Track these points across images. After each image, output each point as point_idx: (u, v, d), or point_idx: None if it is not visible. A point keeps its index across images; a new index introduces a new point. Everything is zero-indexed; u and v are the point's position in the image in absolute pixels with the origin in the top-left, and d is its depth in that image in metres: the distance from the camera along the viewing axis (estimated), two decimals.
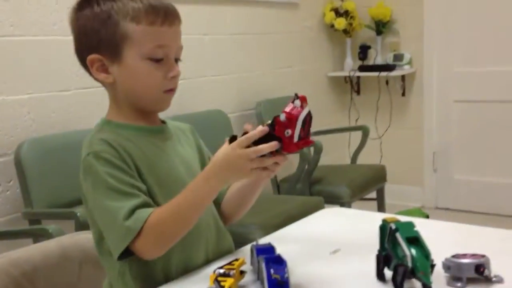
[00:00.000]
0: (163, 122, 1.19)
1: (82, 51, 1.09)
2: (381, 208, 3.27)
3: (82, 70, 2.60)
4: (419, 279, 0.91)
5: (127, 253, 1.03)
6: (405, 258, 0.92)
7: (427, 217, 3.02)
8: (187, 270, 1.10)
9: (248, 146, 1.00)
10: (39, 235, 1.84)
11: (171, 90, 1.11)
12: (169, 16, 1.07)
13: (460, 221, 1.38)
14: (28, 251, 1.15)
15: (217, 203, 1.21)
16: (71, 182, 2.12)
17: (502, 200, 3.67)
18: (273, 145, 0.98)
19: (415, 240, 0.94)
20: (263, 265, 0.93)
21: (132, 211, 1.00)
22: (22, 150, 2.06)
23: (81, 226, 1.81)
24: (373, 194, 3.26)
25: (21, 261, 1.10)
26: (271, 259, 0.93)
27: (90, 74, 1.11)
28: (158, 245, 1.03)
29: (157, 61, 1.07)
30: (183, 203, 1.03)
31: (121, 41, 1.05)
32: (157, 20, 1.05)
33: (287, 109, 1.01)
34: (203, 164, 1.21)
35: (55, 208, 2.05)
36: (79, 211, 1.85)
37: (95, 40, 1.06)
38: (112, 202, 1.01)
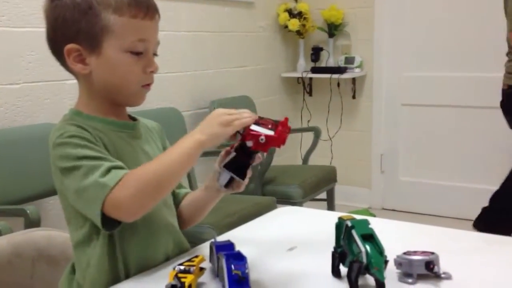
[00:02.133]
0: (134, 119, 1.18)
1: (58, 40, 1.07)
2: (331, 208, 3.33)
3: (31, 64, 2.52)
4: (373, 275, 0.94)
5: (111, 225, 1.00)
6: (360, 254, 0.95)
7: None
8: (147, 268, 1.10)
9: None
10: None
11: (148, 85, 1.11)
12: (151, 10, 1.07)
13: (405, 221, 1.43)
14: None
15: (176, 204, 1.22)
16: (19, 178, 2.09)
17: (445, 202, 3.81)
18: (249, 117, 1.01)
19: (369, 237, 0.97)
20: (223, 261, 0.93)
21: (108, 170, 0.98)
22: None
23: (31, 223, 1.77)
24: (323, 195, 3.31)
25: None
26: (232, 255, 0.94)
27: (62, 64, 1.09)
28: (138, 195, 0.97)
29: (137, 54, 1.06)
30: (167, 155, 1.01)
31: (101, 33, 1.04)
32: (139, 13, 1.05)
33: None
34: None
35: (3, 205, 1.99)
36: (29, 208, 1.81)
37: (74, 30, 1.04)
38: (87, 162, 0.98)
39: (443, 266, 1.02)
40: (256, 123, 1.01)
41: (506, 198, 2.99)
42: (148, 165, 1.00)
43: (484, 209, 3.05)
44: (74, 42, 1.05)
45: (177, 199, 1.24)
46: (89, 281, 1.06)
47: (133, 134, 1.14)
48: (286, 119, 1.02)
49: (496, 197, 3.01)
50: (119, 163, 1.01)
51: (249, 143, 1.00)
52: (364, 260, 0.94)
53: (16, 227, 1.74)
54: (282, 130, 1.00)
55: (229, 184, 1.08)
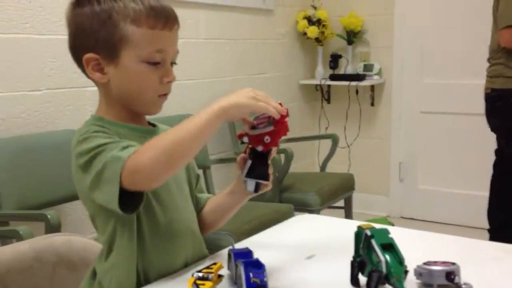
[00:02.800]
0: (154, 125, 1.18)
1: (78, 49, 1.08)
2: (348, 216, 3.31)
3: (53, 70, 2.56)
4: (392, 285, 0.94)
5: (128, 207, 0.98)
6: (380, 264, 0.94)
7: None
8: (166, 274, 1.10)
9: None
10: (8, 237, 1.80)
11: (165, 95, 1.11)
12: (170, 21, 1.07)
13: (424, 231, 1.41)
14: (1, 253, 1.14)
15: (197, 211, 1.22)
16: (40, 183, 2.11)
17: (465, 211, 3.76)
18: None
19: (389, 247, 0.96)
20: (241, 269, 0.93)
21: (126, 147, 0.98)
22: None
23: (52, 228, 1.79)
24: (341, 203, 3.30)
25: None
26: (250, 263, 0.94)
27: (83, 71, 1.10)
28: (156, 158, 0.94)
29: (154, 64, 1.06)
30: (186, 122, 0.97)
31: (119, 43, 1.04)
32: (158, 24, 1.05)
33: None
34: (187, 171, 1.22)
35: (24, 210, 2.01)
36: (49, 213, 1.83)
37: (93, 40, 1.05)
38: (105, 147, 0.98)
39: (464, 276, 1.00)
40: (254, 127, 1.04)
41: (501, 211, 2.94)
42: (166, 133, 0.98)
43: (489, 231, 3.00)
44: (93, 52, 1.06)
45: (199, 205, 1.24)
46: (115, 284, 1.06)
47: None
48: (280, 104, 1.03)
49: (492, 214, 2.97)
50: (138, 144, 1.00)
51: (259, 148, 1.04)
52: (384, 269, 0.93)
53: (37, 231, 1.76)
54: (279, 120, 1.02)
55: (257, 188, 1.10)
